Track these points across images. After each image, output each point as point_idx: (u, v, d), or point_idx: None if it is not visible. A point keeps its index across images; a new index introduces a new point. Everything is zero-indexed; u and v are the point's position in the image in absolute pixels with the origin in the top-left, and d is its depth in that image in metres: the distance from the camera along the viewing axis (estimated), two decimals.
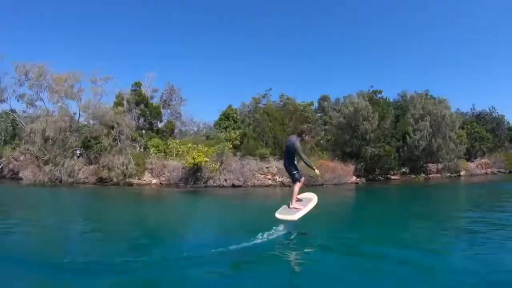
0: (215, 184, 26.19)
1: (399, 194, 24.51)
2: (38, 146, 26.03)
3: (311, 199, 7.89)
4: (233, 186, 26.13)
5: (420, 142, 31.00)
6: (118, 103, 32.23)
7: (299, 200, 7.75)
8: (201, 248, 6.84)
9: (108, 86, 29.91)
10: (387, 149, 30.07)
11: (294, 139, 7.32)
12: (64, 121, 27.03)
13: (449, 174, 34.30)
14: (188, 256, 6.19)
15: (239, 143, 30.48)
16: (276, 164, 29.52)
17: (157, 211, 15.64)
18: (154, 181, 28.16)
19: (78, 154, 28.93)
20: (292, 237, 7.69)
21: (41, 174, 26.12)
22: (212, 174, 26.39)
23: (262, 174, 28.81)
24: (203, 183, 26.17)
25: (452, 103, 35.27)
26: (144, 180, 28.20)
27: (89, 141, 27.59)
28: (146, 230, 10.44)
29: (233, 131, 31.97)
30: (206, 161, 25.77)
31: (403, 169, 33.04)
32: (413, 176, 32.58)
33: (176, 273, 5.72)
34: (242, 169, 27.23)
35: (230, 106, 37.60)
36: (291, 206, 7.51)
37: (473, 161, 38.13)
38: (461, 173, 34.74)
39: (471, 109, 43.33)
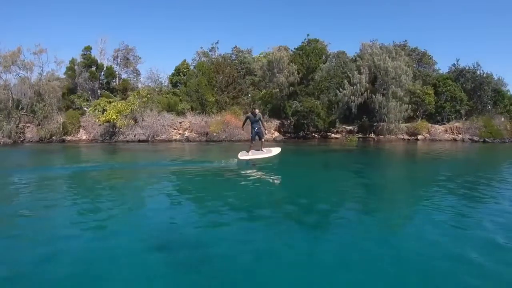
0: (124, 139, 27.79)
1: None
2: None
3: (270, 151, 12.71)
4: (139, 141, 27.40)
5: (352, 97, 28.01)
6: (69, 68, 35.27)
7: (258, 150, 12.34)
8: None
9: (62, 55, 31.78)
10: (312, 105, 27.89)
11: (256, 113, 11.94)
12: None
13: (406, 137, 30.58)
14: None
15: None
16: (191, 119, 29.93)
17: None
18: (84, 137, 30.88)
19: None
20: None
21: None
22: (123, 130, 27.96)
23: (175, 129, 29.56)
24: (113, 138, 28.02)
25: (441, 60, 30.60)
26: (77, 137, 31.09)
27: (31, 106, 31.02)
28: None
29: (145, 89, 32.89)
30: (114, 118, 27.33)
31: (345, 127, 30.50)
32: (350, 136, 29.91)
33: None
34: (153, 125, 28.26)
35: (184, 61, 38.14)
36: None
37: (444, 124, 32.95)
38: (419, 137, 30.55)
39: (453, 64, 36.68)
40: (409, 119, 31.61)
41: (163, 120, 28.73)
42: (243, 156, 12.05)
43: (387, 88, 27.92)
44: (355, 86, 27.32)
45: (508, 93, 42.33)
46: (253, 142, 12.09)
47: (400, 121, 28.36)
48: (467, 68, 35.42)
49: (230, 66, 32.66)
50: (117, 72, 38.69)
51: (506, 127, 34.26)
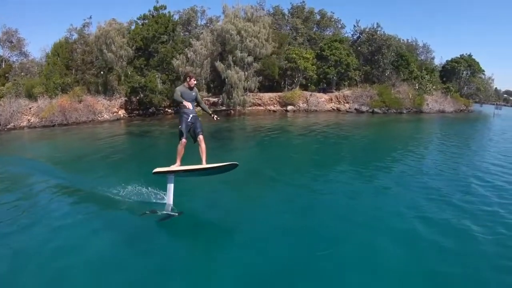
0: None
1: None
2: None
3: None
4: None
5: (189, 67, 23.40)
6: None
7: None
8: None
9: None
10: (146, 80, 23.72)
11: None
12: None
13: (277, 107, 26.27)
14: None
15: None
16: (41, 103, 25.75)
17: None
18: None
19: None
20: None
21: None
22: None
23: (25, 115, 25.61)
24: None
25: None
26: None
27: None
28: None
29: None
30: None
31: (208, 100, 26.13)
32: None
33: None
34: (3, 112, 24.35)
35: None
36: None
37: (331, 92, 28.55)
38: (289, 108, 26.22)
39: (354, 25, 31.99)
40: (279, 87, 27.40)
41: (15, 106, 24.76)
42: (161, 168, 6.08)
43: (232, 54, 23.31)
44: (193, 54, 22.83)
45: (428, 59, 38.13)
46: (182, 141, 5.70)
47: (247, 91, 23.75)
48: (367, 29, 30.78)
49: (87, 44, 28.39)
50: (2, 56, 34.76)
51: (408, 96, 29.87)
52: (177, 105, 5.87)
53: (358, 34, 31.09)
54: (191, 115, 5.63)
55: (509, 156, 11.42)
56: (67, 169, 9.38)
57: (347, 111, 26.98)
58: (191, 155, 6.06)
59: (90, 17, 28.24)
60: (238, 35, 22.98)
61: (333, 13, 34.94)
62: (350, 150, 12.82)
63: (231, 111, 24.57)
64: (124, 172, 8.95)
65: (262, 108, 26.09)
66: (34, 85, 27.56)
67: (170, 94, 25.12)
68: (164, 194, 6.06)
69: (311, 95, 27.08)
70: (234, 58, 22.89)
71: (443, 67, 37.98)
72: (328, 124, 19.97)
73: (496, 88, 52.47)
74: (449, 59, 37.26)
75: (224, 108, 25.64)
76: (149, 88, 23.51)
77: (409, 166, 9.59)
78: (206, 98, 25.94)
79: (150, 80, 23.59)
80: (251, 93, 25.87)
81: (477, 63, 36.59)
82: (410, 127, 21.82)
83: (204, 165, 5.65)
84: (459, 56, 36.80)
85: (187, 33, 29.78)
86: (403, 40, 37.64)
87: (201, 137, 5.71)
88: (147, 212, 5.76)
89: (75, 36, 33.14)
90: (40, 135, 18.53)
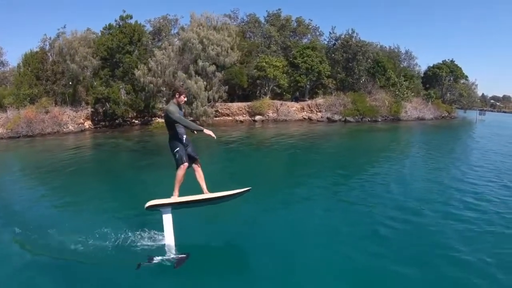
0: None
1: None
2: None
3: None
4: None
5: (150, 78, 22.86)
6: None
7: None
8: None
9: None
10: (109, 91, 23.35)
11: (168, 104, 5.02)
12: None
13: (247, 117, 25.75)
14: None
15: None
16: (9, 114, 25.25)
17: None
18: None
19: None
20: None
21: None
22: None
23: None
24: None
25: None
26: None
27: None
28: None
29: None
30: None
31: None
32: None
33: None
34: None
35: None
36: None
37: (304, 101, 27.97)
38: (257, 118, 25.67)
39: (329, 32, 31.52)
40: (254, 97, 26.90)
41: None
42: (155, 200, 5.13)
43: (195, 63, 22.83)
44: (154, 64, 22.39)
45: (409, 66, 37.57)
46: (183, 165, 4.91)
47: (210, 102, 23.09)
48: (342, 36, 30.28)
49: (57, 55, 28.23)
50: None
51: (385, 104, 29.22)
52: (171, 127, 4.92)
53: (333, 41, 30.60)
54: (185, 136, 5.02)
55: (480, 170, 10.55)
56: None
57: (318, 120, 26.37)
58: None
59: (64, 26, 28.00)
60: (200, 44, 22.58)
61: (311, 20, 34.60)
62: (289, 166, 12.24)
63: (196, 122, 24.07)
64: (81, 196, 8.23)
65: (230, 118, 25.57)
66: (5, 96, 27.42)
67: (135, 105, 24.79)
68: (153, 232, 5.10)
69: (281, 104, 26.53)
70: (196, 67, 22.46)
71: (425, 73, 37.32)
72: (290, 134, 19.42)
73: (483, 93, 51.98)
74: (431, 65, 36.62)
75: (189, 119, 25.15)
76: (112, 99, 23.15)
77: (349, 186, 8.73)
78: None
79: (113, 91, 23.22)
80: (219, 103, 25.40)
81: (460, 68, 35.88)
82: (376, 137, 21.15)
83: (217, 193, 4.98)
84: (441, 62, 36.13)
85: (159, 42, 29.51)
86: (385, 47, 37.21)
87: (198, 161, 5.14)
88: (143, 263, 4.46)
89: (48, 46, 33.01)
90: (5, 147, 18.19)
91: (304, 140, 17.34)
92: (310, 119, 26.65)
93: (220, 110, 25.54)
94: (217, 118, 25.22)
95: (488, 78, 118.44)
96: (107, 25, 25.33)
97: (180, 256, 4.62)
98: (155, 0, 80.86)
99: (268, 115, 25.90)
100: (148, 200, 4.85)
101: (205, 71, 22.45)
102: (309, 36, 33.35)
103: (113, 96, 23.16)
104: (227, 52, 23.15)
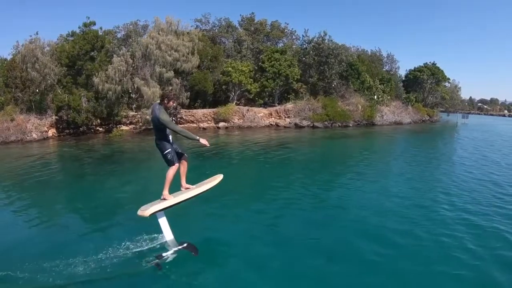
0: None
1: None
2: None
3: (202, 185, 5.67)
4: None
5: (108, 85, 22.68)
6: None
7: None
8: None
9: None
10: (69, 98, 23.26)
11: (157, 108, 5.12)
12: None
13: (211, 124, 25.35)
14: None
15: None
16: None
17: None
18: None
19: None
20: None
21: None
22: None
23: None
24: None
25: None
26: None
27: None
28: None
29: None
30: None
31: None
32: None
33: None
34: None
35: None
36: (161, 197, 5.35)
37: (272, 106, 27.45)
38: (220, 125, 25.20)
39: (302, 35, 30.95)
40: (224, 103, 26.43)
41: None
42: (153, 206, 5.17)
43: (152, 68, 22.55)
44: (111, 71, 22.18)
45: (385, 69, 36.75)
46: (174, 166, 5.23)
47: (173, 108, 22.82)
48: (314, 38, 29.69)
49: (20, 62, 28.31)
50: None
51: (358, 108, 28.52)
52: (160, 130, 5.12)
53: (305, 44, 30.05)
54: (170, 136, 5.27)
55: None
56: None
57: (286, 127, 25.82)
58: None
59: (37, 33, 28.11)
60: (158, 49, 22.30)
61: (287, 24, 34.13)
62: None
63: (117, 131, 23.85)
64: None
65: (195, 125, 25.20)
66: None
67: (97, 113, 24.61)
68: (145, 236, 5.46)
69: (248, 110, 26.07)
70: (152, 73, 22.19)
71: (405, 76, 36.46)
72: (247, 142, 18.88)
73: (470, 97, 50.63)
74: (412, 68, 35.74)
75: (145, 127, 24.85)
76: (72, 107, 23.02)
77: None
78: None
79: (73, 99, 23.10)
80: (184, 110, 25.09)
81: (441, 71, 34.93)
82: (336, 144, 20.45)
83: (199, 188, 5.43)
84: (422, 65, 35.24)
85: (130, 47, 29.39)
86: (367, 50, 36.49)
87: (185, 155, 5.46)
88: (154, 262, 4.81)
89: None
90: None
91: (251, 150, 16.78)
92: (277, 125, 26.12)
93: (184, 117, 25.20)
94: (181, 125, 24.88)
95: (476, 82, 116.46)
96: (70, 32, 25.30)
97: (185, 245, 5.03)
98: (141, 5, 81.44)
99: (233, 122, 25.45)
100: (136, 207, 5.11)
101: (161, 77, 22.17)
102: (284, 40, 32.84)
103: (73, 104, 23.03)
104: (186, 57, 22.83)
